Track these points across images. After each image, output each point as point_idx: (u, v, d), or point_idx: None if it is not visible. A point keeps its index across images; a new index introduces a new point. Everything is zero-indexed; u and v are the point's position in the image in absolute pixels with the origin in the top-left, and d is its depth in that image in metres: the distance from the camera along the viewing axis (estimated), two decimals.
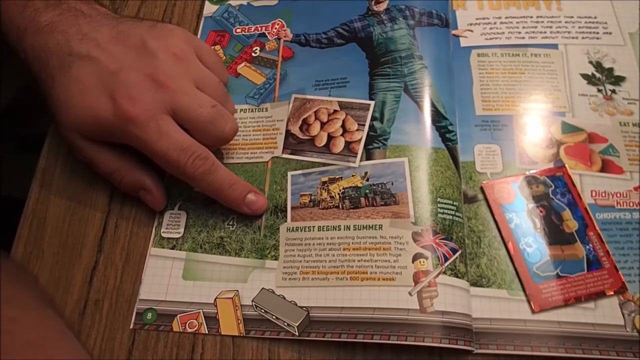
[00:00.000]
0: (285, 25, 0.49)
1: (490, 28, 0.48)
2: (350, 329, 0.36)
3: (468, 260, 0.38)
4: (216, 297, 0.38)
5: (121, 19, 0.41)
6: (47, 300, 0.37)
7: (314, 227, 0.40)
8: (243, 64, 0.48)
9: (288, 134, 0.44)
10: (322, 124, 0.44)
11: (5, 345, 0.30)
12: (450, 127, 0.42)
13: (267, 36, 0.49)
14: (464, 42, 0.47)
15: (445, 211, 0.39)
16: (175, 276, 0.40)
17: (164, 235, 0.41)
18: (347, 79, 0.45)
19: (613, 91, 0.44)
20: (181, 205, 0.42)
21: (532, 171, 0.41)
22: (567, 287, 0.37)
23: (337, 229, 0.39)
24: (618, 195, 0.40)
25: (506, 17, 0.48)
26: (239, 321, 0.38)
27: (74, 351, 0.33)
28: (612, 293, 0.37)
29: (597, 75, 0.45)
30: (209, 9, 0.51)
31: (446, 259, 0.37)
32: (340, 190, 0.41)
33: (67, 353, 0.32)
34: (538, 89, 0.45)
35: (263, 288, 0.38)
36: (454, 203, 0.39)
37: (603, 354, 0.35)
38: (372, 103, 0.43)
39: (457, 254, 0.37)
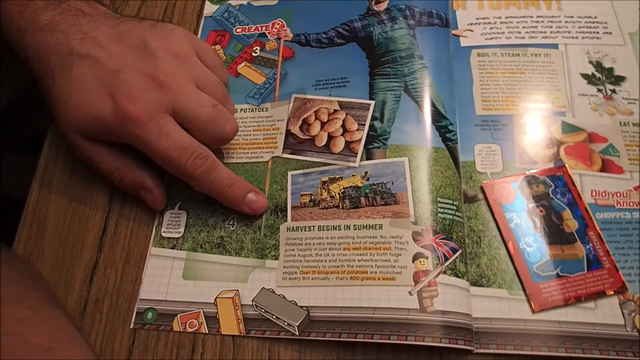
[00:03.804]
0: (285, 25, 0.49)
1: (491, 28, 0.48)
2: (350, 329, 0.36)
3: (468, 260, 0.38)
4: (216, 297, 0.38)
5: (121, 18, 0.41)
6: (53, 298, 0.36)
7: (314, 226, 0.40)
8: (243, 63, 0.48)
9: (288, 133, 0.44)
10: (322, 124, 0.44)
11: (15, 346, 0.29)
12: (450, 127, 0.42)
13: (267, 36, 0.49)
14: (464, 42, 0.47)
15: (446, 211, 0.39)
16: (176, 276, 0.40)
17: (164, 234, 0.41)
18: (347, 79, 0.45)
19: (613, 91, 0.44)
20: (181, 204, 0.42)
21: (532, 171, 0.41)
22: (567, 286, 0.37)
23: (337, 228, 0.39)
24: (618, 195, 0.40)
25: (506, 17, 0.48)
26: (239, 321, 0.38)
27: (84, 354, 0.32)
28: (612, 293, 0.37)
29: (597, 75, 0.45)
30: (209, 8, 0.51)
31: (446, 259, 0.37)
32: (340, 190, 0.41)
33: (77, 356, 0.32)
34: (538, 88, 0.45)
35: (263, 288, 0.38)
36: (454, 203, 0.39)
37: (603, 354, 0.35)
38: (372, 103, 0.43)
39: (457, 253, 0.37)
